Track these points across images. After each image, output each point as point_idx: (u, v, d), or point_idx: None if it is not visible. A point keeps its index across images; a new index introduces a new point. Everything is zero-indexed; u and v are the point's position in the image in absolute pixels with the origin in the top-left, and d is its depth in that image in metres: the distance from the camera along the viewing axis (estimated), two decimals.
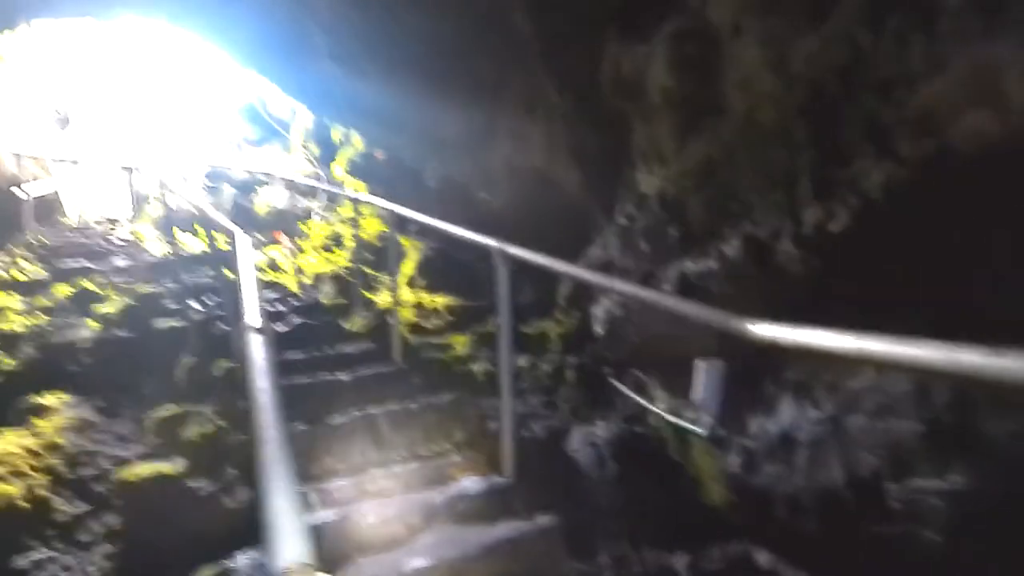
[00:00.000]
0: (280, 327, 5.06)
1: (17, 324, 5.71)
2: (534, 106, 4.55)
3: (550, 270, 3.11)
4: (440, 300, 6.49)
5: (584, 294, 4.75)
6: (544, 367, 4.97)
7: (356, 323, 5.49)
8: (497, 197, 5.68)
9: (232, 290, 5.50)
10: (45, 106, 11.25)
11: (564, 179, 4.61)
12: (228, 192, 9.97)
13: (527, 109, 4.63)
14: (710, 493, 3.48)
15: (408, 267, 6.89)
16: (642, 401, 4.09)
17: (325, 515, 3.12)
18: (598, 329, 4.44)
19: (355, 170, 8.33)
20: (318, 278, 6.97)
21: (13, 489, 3.68)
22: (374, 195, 6.60)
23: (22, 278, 6.70)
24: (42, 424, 4.44)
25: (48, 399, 4.72)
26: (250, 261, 3.45)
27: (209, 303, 5.85)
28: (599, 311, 4.40)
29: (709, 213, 3.31)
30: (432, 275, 6.68)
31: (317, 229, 8.70)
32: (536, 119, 4.59)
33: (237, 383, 4.17)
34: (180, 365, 4.83)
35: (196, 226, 7.76)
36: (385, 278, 6.28)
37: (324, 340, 4.88)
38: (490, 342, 4.54)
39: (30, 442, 4.18)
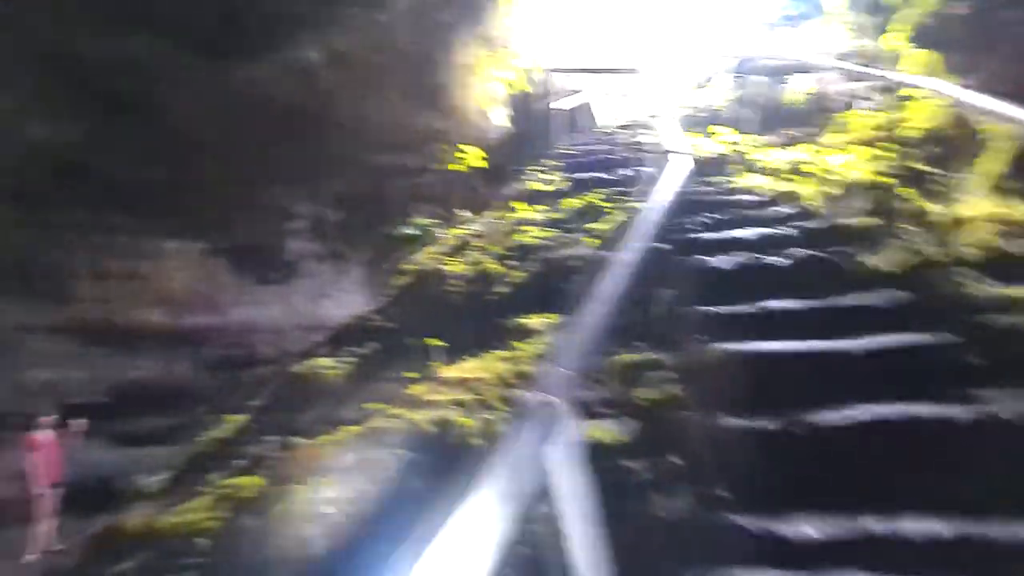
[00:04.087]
0: (778, 260, 3.90)
1: (528, 237, 5.82)
2: None
3: None
4: None
5: None
6: None
7: (887, 257, 3.93)
8: None
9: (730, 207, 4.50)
10: (568, 19, 11.67)
11: None
12: (756, 83, 8.81)
13: None
14: None
15: (990, 165, 4.84)
16: None
17: None
18: None
19: (922, 36, 6.30)
20: (849, 188, 5.43)
21: (469, 422, 3.53)
22: (946, 68, 4.71)
23: (544, 189, 6.90)
24: (521, 348, 4.30)
25: (534, 320, 4.59)
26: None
27: (707, 219, 5.00)
28: None
29: None
30: None
31: (859, 121, 6.95)
32: None
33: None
34: (655, 300, 4.12)
35: (710, 128, 6.93)
36: (949, 184, 4.50)
37: (833, 282, 3.54)
38: None
39: (502, 368, 4.06)
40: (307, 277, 11.05)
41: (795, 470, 2.43)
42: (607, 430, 3.04)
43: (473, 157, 7.98)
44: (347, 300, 10.98)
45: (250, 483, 3.65)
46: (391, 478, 3.17)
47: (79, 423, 9.18)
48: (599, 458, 2.76)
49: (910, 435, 2.39)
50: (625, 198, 5.87)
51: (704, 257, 3.99)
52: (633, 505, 2.57)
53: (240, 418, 6.37)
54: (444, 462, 3.29)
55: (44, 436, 9.00)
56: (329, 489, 3.24)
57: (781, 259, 3.88)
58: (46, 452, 8.95)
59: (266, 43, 8.62)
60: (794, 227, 4.47)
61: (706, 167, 6.66)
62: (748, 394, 2.83)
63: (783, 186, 5.79)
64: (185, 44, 8.44)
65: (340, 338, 6.96)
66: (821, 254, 3.86)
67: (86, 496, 8.47)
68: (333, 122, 9.66)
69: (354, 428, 3.77)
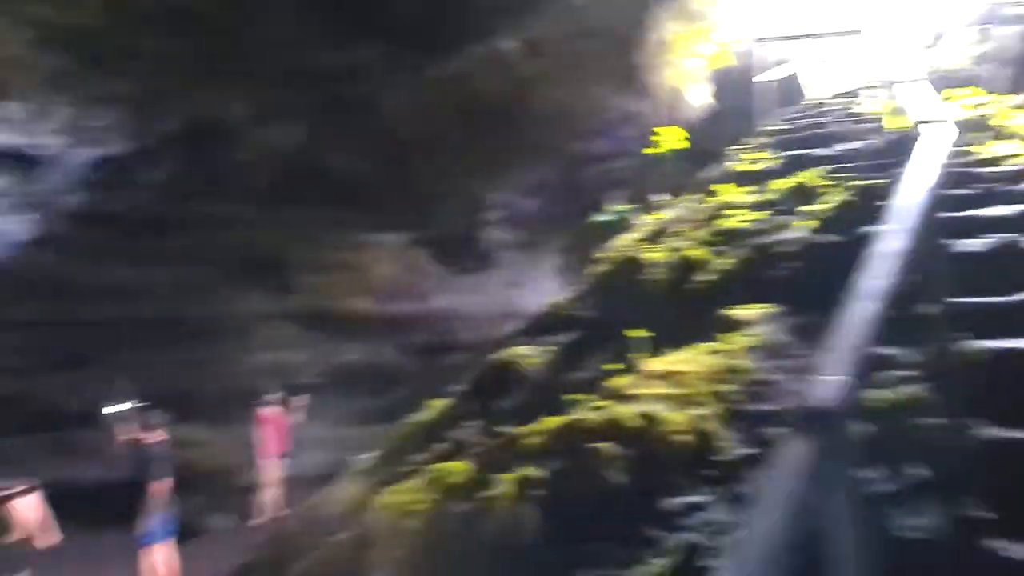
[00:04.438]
0: None
1: (736, 221, 5.47)
2: None
3: None
4: None
5: None
6: None
7: None
8: None
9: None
10: None
11: None
12: (1004, 35, 7.61)
13: None
14: None
15: None
16: None
17: None
18: None
19: None
20: None
21: (678, 417, 3.34)
22: None
23: (751, 169, 6.45)
24: (729, 340, 4.03)
25: (743, 310, 4.28)
26: None
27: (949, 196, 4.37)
28: None
29: None
30: None
31: None
32: None
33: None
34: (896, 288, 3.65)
35: (947, 91, 6.08)
36: None
37: None
38: None
39: (711, 361, 3.82)
40: (504, 266, 11.31)
41: None
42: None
43: (673, 139, 7.66)
44: (543, 288, 11.10)
45: (457, 468, 3.74)
46: (596, 474, 3.08)
47: (301, 400, 10.13)
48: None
49: None
50: (844, 175, 5.31)
51: (952, 240, 3.47)
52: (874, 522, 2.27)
53: (442, 402, 6.61)
54: (649, 459, 3.15)
55: (271, 412, 10.03)
56: (533, 479, 3.22)
57: None
58: (273, 426, 9.96)
59: (465, 36, 8.88)
60: None
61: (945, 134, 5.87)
62: (1005, 399, 2.41)
63: None
64: (396, 43, 8.92)
65: (538, 326, 7.00)
66: None
67: (307, 468, 9.33)
68: (529, 111, 9.75)
69: (557, 419, 3.73)
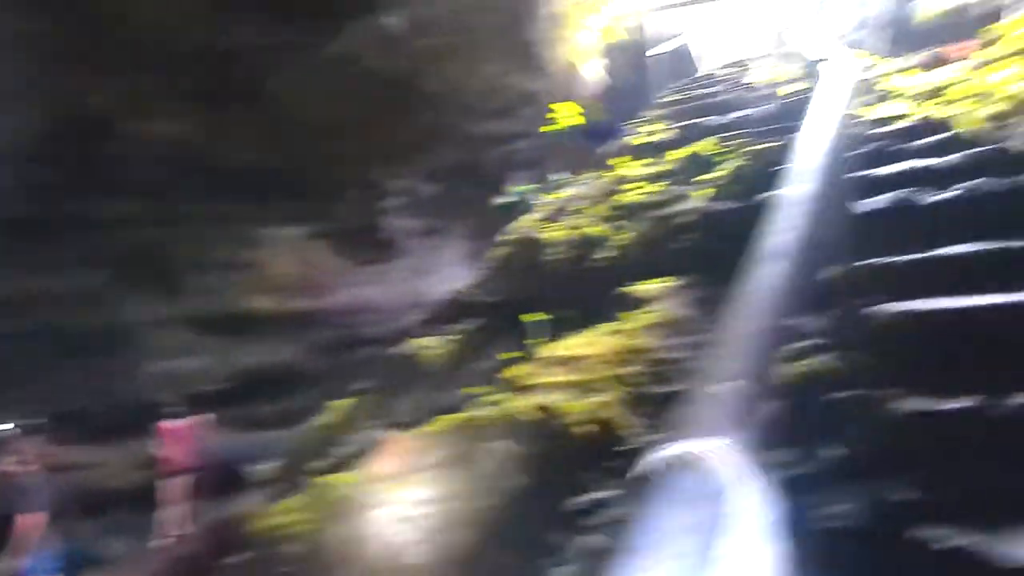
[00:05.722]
0: (932, 196, 3.21)
1: (634, 195, 5.29)
2: None
3: None
4: None
5: None
6: None
7: None
8: None
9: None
10: None
11: None
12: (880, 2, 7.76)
13: None
14: None
15: None
16: None
17: None
18: None
19: None
20: (1010, 112, 4.56)
21: (579, 406, 3.10)
22: None
23: (648, 141, 6.31)
24: (631, 319, 3.83)
25: (644, 286, 4.10)
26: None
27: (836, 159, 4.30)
28: None
29: None
30: None
31: (1012, 30, 5.92)
32: None
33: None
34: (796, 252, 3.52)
35: (834, 57, 6.08)
36: None
37: (1014, 218, 2.84)
38: None
39: (613, 342, 3.60)
40: (408, 254, 10.92)
41: (996, 464, 1.87)
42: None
43: (570, 116, 7.45)
44: (450, 275, 10.79)
45: (345, 480, 3.40)
46: (492, 477, 2.81)
47: (206, 411, 9.47)
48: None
49: None
50: (740, 142, 5.22)
51: (851, 201, 3.35)
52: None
53: (345, 403, 6.26)
54: (550, 454, 2.91)
55: (172, 425, 9.34)
56: (422, 488, 2.92)
57: (938, 192, 3.20)
58: (175, 440, 9.28)
59: (349, 11, 8.38)
60: (945, 158, 3.72)
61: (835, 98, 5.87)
62: (923, 365, 2.26)
63: (933, 112, 4.98)
64: (278, 21, 8.33)
65: (441, 316, 6.71)
66: (989, 187, 3.15)
67: (211, 482, 8.75)
68: (423, 92, 9.35)
69: (452, 417, 3.45)
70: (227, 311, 10.72)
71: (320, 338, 10.58)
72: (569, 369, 3.46)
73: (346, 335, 10.49)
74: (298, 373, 10.70)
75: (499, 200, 8.21)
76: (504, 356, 4.24)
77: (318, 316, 10.61)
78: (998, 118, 4.52)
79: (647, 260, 4.44)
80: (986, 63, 5.69)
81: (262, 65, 8.95)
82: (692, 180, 4.97)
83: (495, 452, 2.94)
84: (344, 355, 10.10)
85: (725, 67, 8.61)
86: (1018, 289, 2.34)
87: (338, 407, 6.36)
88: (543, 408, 3.11)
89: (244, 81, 9.04)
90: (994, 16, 6.88)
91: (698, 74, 9.07)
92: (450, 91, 9.67)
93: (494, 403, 3.36)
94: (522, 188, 8.06)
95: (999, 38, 6.02)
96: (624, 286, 4.20)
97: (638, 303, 3.95)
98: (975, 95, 4.73)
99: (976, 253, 2.62)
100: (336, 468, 3.98)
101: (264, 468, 6.42)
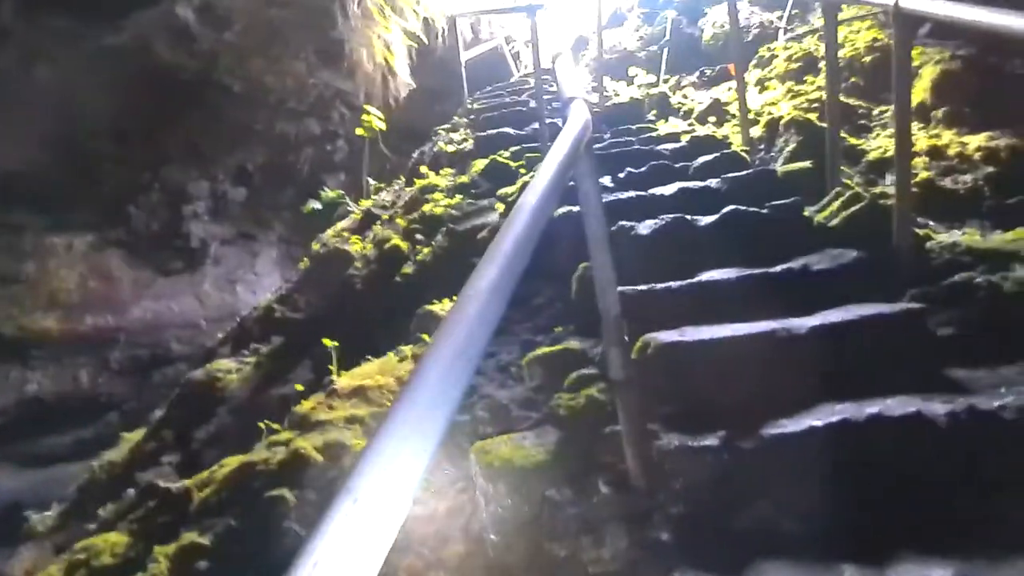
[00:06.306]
0: (701, 219, 3.40)
1: (435, 207, 5.22)
2: None
3: None
4: (975, 142, 4.13)
5: None
6: None
7: (830, 208, 3.49)
8: None
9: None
10: None
11: None
12: (667, 20, 8.25)
13: None
14: None
15: (917, 92, 4.50)
16: None
17: None
18: None
19: None
20: (775, 126, 4.99)
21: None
22: None
23: (451, 150, 6.27)
24: (426, 342, 3.76)
25: (439, 307, 4.04)
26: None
27: (623, 175, 4.49)
28: None
29: None
30: (959, 101, 4.38)
31: (782, 54, 6.51)
32: None
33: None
34: (576, 272, 3.60)
35: (628, 71, 6.36)
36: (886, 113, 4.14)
37: (774, 245, 3.06)
38: None
39: (403, 370, 3.51)
40: (215, 263, 10.21)
41: (745, 490, 1.98)
42: (523, 447, 2.53)
43: (379, 120, 7.26)
44: (260, 284, 10.23)
45: (113, 542, 3.06)
46: (277, 532, 2.63)
47: None
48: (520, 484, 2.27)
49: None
50: (536, 155, 5.31)
51: (622, 223, 3.46)
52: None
53: (137, 436, 5.73)
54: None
55: None
56: (197, 549, 2.68)
57: (709, 218, 3.39)
58: None
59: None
60: (719, 177, 3.97)
61: (619, 114, 6.14)
62: (686, 399, 2.35)
63: (705, 130, 5.33)
64: (47, 5, 7.40)
65: (244, 333, 6.31)
66: (755, 208, 3.39)
67: None
68: (221, 88, 8.74)
69: (234, 460, 3.20)
70: (7, 332, 9.51)
71: (119, 358, 9.63)
72: (360, 401, 3.32)
73: (146, 354, 9.63)
74: (96, 398, 9.70)
75: (312, 205, 7.86)
76: (298, 387, 4.04)
77: (116, 333, 9.66)
78: (764, 135, 4.92)
79: (448, 277, 4.38)
80: (758, 82, 6.20)
81: (31, 54, 7.97)
82: (494, 192, 4.98)
83: (276, 501, 2.76)
84: (144, 376, 9.30)
85: (531, 74, 8.76)
86: (771, 317, 2.50)
87: (129, 440, 5.83)
88: (329, 448, 2.96)
89: (12, 74, 8.01)
90: (773, 36, 7.53)
91: (509, 80, 9.19)
92: (251, 89, 9.13)
93: (279, 443, 3.16)
94: (334, 193, 7.76)
95: (771, 59, 6.59)
96: (426, 304, 4.11)
97: (435, 324, 3.88)
98: (747, 114, 5.11)
99: (730, 279, 2.79)
100: (101, 529, 3.58)
101: (44, 516, 5.73)
